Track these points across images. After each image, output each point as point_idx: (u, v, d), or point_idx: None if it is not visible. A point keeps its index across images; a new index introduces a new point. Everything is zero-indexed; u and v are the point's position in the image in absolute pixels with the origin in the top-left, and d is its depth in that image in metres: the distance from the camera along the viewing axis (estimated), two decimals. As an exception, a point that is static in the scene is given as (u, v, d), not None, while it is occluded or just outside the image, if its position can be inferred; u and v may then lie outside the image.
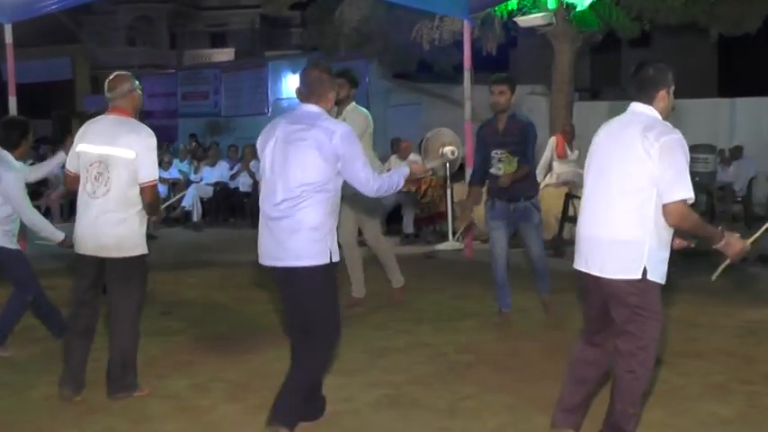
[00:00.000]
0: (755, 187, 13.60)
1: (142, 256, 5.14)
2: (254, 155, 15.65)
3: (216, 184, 15.81)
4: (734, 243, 4.01)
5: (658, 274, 3.96)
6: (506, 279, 7.04)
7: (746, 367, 5.48)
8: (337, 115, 6.81)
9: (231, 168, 16.16)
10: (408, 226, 12.43)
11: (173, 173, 16.41)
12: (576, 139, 12.25)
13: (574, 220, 11.04)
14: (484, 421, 4.69)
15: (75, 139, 5.23)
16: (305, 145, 4.32)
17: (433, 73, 17.64)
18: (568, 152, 12.02)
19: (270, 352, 6.19)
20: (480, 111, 11.74)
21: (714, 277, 4.40)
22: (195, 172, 16.20)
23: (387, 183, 4.54)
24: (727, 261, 4.22)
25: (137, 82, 5.20)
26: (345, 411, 4.88)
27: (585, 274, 4.10)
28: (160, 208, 5.25)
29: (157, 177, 5.16)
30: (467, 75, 10.89)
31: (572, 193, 11.14)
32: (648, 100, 4.02)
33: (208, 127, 22.51)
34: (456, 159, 12.06)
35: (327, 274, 4.41)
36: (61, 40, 33.04)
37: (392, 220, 13.14)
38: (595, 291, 4.10)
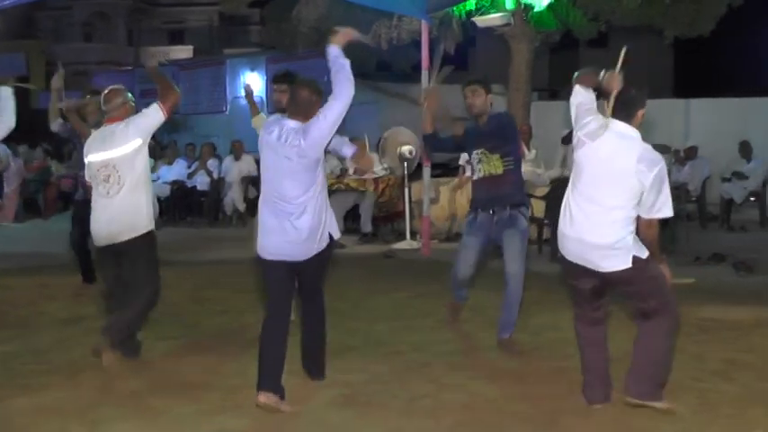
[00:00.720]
0: (709, 187, 13.79)
1: (152, 232, 5.88)
2: (212, 153, 15.72)
3: (173, 183, 15.68)
4: (665, 273, 4.69)
5: (644, 251, 4.58)
6: (466, 284, 6.63)
7: (697, 365, 5.56)
8: None
9: (189, 167, 16.03)
10: (366, 225, 12.43)
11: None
12: (533, 139, 12.33)
13: (531, 220, 11.13)
14: (439, 420, 4.71)
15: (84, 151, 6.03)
16: (292, 165, 4.84)
17: (392, 72, 17.66)
18: (526, 152, 12.06)
19: (227, 352, 6.17)
20: (438, 110, 11.77)
21: None
22: (152, 170, 16.05)
23: (342, 75, 5.11)
24: None
25: (129, 95, 6.02)
26: (300, 411, 4.87)
27: (578, 265, 4.66)
28: (173, 89, 5.99)
29: (160, 104, 5.82)
30: (424, 74, 10.90)
31: (529, 193, 11.21)
32: (629, 118, 4.58)
33: (165, 125, 22.29)
34: (413, 159, 12.13)
35: (329, 252, 5.15)
36: (16, 36, 32.59)
37: (350, 219, 13.14)
38: (592, 276, 4.64)
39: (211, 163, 15.58)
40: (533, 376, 5.48)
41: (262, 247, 5.01)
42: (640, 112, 4.61)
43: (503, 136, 6.14)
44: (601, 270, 4.59)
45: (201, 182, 15.61)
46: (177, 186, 15.69)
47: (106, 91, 5.95)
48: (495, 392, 5.14)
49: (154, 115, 5.82)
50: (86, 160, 5.91)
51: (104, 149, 5.74)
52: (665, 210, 4.55)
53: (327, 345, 5.41)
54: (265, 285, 5.16)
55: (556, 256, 9.71)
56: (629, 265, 4.52)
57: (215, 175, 15.41)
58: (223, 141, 17.44)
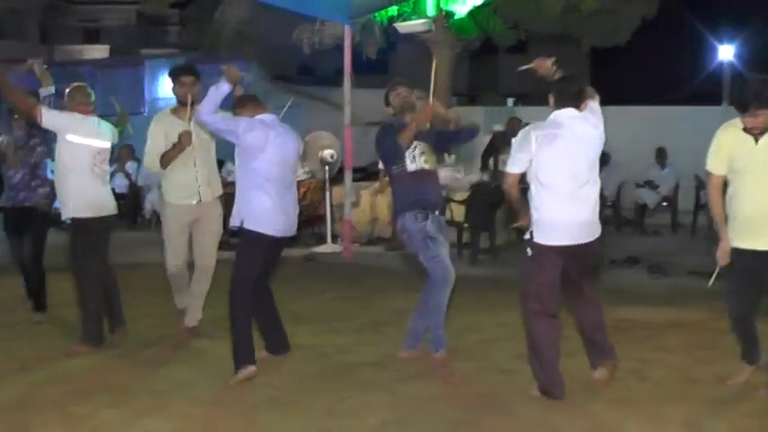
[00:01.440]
0: (624, 193, 14.13)
1: None
2: (131, 155, 15.47)
3: (90, 185, 15.39)
4: None
5: None
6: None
7: (614, 364, 5.71)
8: (190, 118, 6.30)
9: (107, 169, 15.75)
10: (288, 228, 12.41)
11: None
12: (452, 144, 12.48)
13: (451, 223, 11.27)
14: (364, 420, 4.76)
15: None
16: (290, 149, 5.70)
17: (314, 76, 17.67)
18: (446, 156, 12.22)
19: (150, 356, 6.13)
20: (360, 114, 11.83)
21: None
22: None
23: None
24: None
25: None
26: (226, 414, 4.88)
27: (570, 246, 4.97)
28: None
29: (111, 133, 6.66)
30: (347, 79, 10.96)
31: (449, 197, 11.35)
32: (578, 107, 5.05)
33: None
34: (335, 163, 12.16)
35: None
36: None
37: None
38: (575, 256, 5.03)
39: (129, 165, 15.35)
40: (456, 376, 5.56)
41: (273, 227, 5.57)
42: (584, 105, 5.10)
43: (438, 134, 6.07)
44: (590, 240, 5.06)
45: (120, 184, 15.30)
46: (94, 188, 15.41)
47: (76, 86, 6.47)
48: (420, 392, 5.21)
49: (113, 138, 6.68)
50: (87, 142, 6.32)
51: (103, 139, 6.46)
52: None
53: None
54: (254, 260, 5.65)
55: (476, 259, 9.96)
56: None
57: (133, 178, 15.19)
58: (141, 143, 17.20)
